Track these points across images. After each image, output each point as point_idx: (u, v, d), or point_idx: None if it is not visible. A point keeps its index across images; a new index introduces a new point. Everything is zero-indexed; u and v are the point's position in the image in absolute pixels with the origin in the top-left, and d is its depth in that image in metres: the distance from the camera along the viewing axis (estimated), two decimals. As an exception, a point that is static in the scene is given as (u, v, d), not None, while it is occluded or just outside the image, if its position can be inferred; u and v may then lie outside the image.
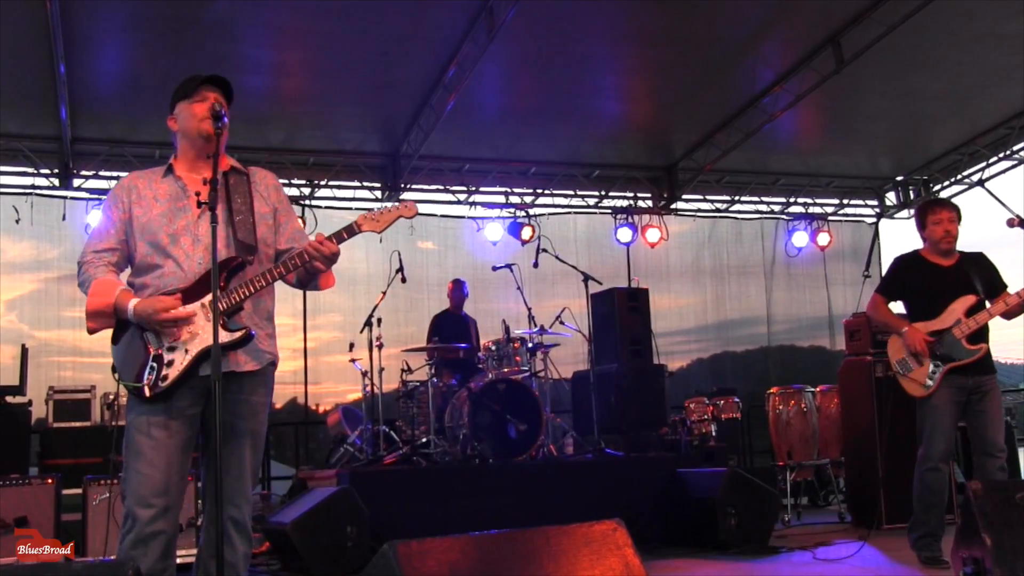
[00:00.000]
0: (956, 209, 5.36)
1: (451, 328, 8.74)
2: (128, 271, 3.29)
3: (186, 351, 3.08)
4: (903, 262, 5.46)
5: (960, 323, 5.09)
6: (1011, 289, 5.20)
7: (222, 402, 2.92)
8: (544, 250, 8.14)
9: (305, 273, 3.27)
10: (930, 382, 5.09)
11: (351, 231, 3.26)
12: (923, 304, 5.27)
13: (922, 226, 5.36)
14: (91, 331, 3.16)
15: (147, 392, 3.06)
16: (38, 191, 9.49)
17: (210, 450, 3.04)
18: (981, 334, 5.14)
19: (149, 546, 3.02)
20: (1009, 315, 5.12)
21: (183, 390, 3.09)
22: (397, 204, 3.35)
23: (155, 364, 3.08)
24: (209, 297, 3.07)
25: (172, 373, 3.07)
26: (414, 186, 10.86)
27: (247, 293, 3.15)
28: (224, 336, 3.06)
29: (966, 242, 5.39)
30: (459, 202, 11.16)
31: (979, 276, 5.19)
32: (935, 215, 5.30)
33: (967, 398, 5.13)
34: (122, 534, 3.07)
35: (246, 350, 3.17)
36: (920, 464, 5.18)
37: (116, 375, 3.16)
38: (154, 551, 3.03)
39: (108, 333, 3.19)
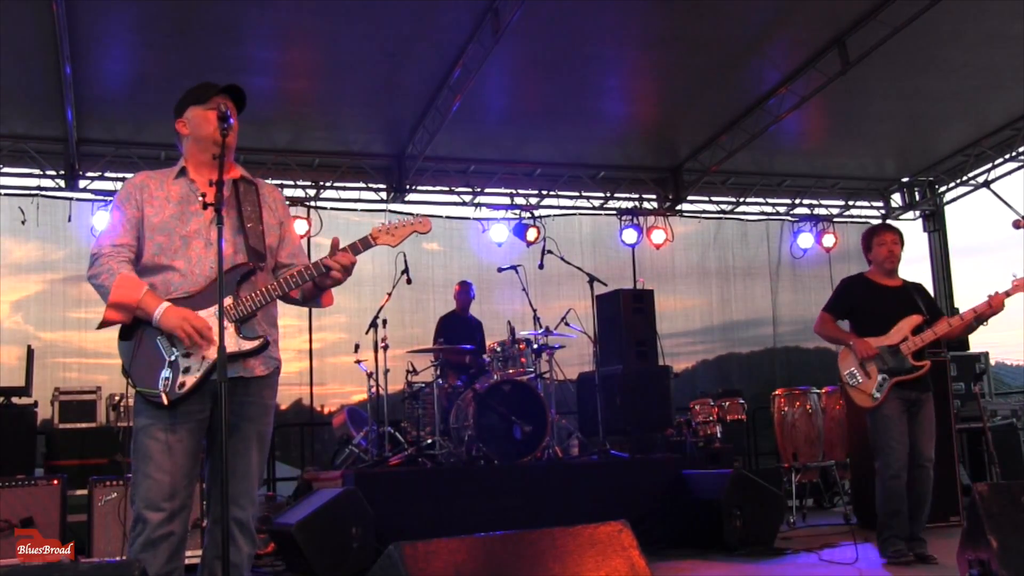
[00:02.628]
0: (899, 233, 5.87)
1: (457, 330, 8.75)
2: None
3: (203, 357, 3.07)
4: (851, 283, 5.89)
5: (907, 340, 5.47)
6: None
7: (231, 404, 2.93)
8: (549, 251, 8.14)
9: (312, 286, 3.27)
10: (877, 394, 5.45)
11: (366, 243, 3.28)
12: (870, 322, 5.63)
13: (868, 248, 5.84)
14: (105, 322, 3.12)
15: (164, 400, 3.04)
16: (44, 192, 9.50)
17: (215, 451, 3.04)
18: (923, 351, 5.49)
19: (158, 548, 3.03)
20: (950, 336, 5.55)
21: (195, 395, 3.09)
22: (412, 219, 3.36)
23: (171, 371, 3.07)
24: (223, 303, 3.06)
25: (189, 380, 3.06)
26: (419, 187, 10.85)
27: (261, 302, 3.15)
28: (242, 344, 3.09)
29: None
30: (464, 203, 11.15)
31: (922, 300, 5.62)
32: (880, 237, 5.78)
33: (909, 410, 5.48)
34: (132, 537, 3.07)
35: (259, 356, 3.19)
36: (881, 473, 5.47)
37: (130, 380, 3.12)
38: (163, 553, 3.03)
39: (113, 331, 3.16)
